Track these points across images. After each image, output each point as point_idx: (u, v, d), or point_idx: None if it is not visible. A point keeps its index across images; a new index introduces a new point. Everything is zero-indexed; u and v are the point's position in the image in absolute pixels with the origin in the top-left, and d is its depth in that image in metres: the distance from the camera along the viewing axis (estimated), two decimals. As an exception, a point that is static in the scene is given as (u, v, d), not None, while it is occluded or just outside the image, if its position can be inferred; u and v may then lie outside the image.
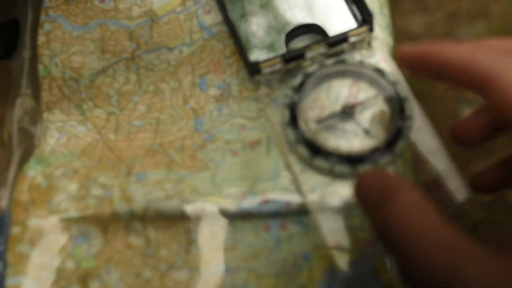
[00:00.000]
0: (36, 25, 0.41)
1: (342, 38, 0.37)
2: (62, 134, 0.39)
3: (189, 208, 0.34)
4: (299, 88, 0.35)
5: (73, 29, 0.40)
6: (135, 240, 0.34)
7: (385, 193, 0.25)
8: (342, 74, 0.36)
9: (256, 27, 0.38)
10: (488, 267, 0.23)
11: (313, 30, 0.38)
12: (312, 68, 0.36)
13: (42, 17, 0.40)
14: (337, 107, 0.35)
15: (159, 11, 0.40)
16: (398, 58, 0.31)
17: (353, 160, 0.32)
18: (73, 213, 0.34)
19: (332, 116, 0.35)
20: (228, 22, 0.39)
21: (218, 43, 0.39)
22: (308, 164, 0.34)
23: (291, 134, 0.34)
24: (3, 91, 0.41)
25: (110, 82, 0.40)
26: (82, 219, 0.34)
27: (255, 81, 0.38)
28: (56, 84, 0.40)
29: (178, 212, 0.34)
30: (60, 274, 0.34)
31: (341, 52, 0.37)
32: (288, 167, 0.35)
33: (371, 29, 0.37)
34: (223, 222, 0.34)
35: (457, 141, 0.31)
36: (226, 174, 0.35)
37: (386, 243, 0.26)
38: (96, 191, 0.35)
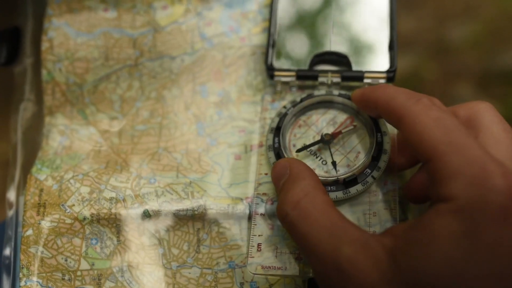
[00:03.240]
0: (37, 32, 0.42)
1: (358, 76, 0.38)
2: (64, 137, 0.40)
3: (198, 209, 0.36)
4: (297, 104, 0.37)
5: (77, 36, 0.41)
6: (147, 240, 0.36)
7: (289, 179, 0.32)
8: (340, 107, 0.37)
9: (293, 39, 0.40)
10: (361, 243, 0.27)
11: (343, 61, 0.39)
12: (319, 92, 0.38)
13: (46, 24, 0.41)
14: (320, 133, 0.36)
15: (162, 21, 0.42)
16: (353, 98, 0.36)
17: None
18: (86, 215, 0.36)
19: (310, 146, 0.36)
20: (271, 22, 0.40)
21: (218, 53, 0.41)
22: (270, 171, 0.35)
23: (270, 139, 0.36)
24: (7, 97, 0.41)
25: (113, 88, 0.41)
26: (96, 221, 0.36)
27: (254, 87, 0.40)
28: (59, 89, 0.41)
29: (188, 213, 0.36)
30: (74, 275, 0.35)
31: (355, 88, 0.38)
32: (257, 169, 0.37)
33: (389, 79, 0.38)
34: (231, 222, 0.36)
35: (412, 201, 0.36)
36: (232, 177, 0.38)
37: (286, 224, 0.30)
38: (109, 193, 0.36)
